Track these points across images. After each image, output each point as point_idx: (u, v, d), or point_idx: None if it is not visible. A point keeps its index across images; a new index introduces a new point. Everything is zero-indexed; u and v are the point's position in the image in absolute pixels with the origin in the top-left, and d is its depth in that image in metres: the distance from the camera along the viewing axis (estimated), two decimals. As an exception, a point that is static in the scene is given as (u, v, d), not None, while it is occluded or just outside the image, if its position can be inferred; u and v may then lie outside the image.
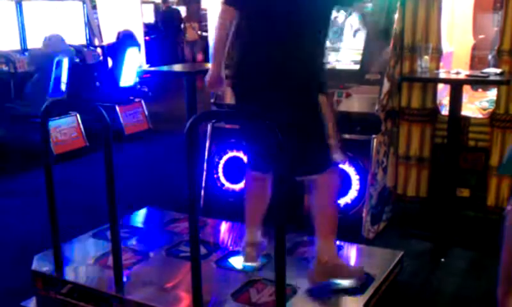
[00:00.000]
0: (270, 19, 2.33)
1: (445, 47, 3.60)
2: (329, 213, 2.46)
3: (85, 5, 7.18)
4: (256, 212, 2.65)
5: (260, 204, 2.64)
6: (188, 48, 11.00)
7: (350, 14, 3.48)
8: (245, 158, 2.80)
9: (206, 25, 11.12)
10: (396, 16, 3.35)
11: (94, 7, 7.99)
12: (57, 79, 5.53)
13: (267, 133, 1.91)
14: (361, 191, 3.25)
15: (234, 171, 3.67)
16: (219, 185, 3.76)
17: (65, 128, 5.53)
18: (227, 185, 3.73)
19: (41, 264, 2.70)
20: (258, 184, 2.62)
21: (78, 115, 5.67)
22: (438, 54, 3.46)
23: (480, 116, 3.56)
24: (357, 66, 3.35)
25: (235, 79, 2.48)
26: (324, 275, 2.43)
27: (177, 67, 5.49)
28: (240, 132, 2.87)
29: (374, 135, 3.26)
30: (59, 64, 5.48)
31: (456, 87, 3.19)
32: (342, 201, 3.30)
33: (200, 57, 11.61)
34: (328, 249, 2.43)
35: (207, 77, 2.52)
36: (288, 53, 2.29)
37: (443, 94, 3.69)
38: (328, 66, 3.44)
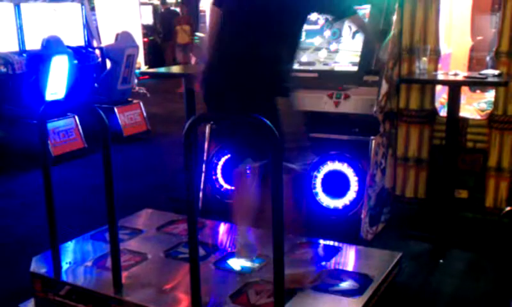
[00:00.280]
0: (245, 21, 2.39)
1: (443, 49, 3.61)
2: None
3: (83, 7, 7.18)
4: (246, 211, 2.67)
5: (250, 202, 2.66)
6: (180, 52, 10.84)
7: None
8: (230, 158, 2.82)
9: (204, 26, 11.09)
10: (394, 17, 3.35)
11: (92, 8, 8.00)
12: (56, 81, 5.52)
13: (265, 136, 1.91)
14: (360, 192, 3.25)
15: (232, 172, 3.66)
16: (217, 186, 3.76)
17: (64, 130, 5.53)
18: (225, 186, 3.73)
19: (39, 266, 2.70)
20: (246, 181, 2.66)
21: (76, 116, 5.66)
22: (436, 55, 3.47)
23: (478, 117, 3.56)
24: (355, 68, 3.35)
25: (203, 76, 2.52)
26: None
27: (176, 68, 5.50)
28: (224, 130, 2.85)
29: (372, 137, 3.27)
30: (57, 65, 5.48)
31: (454, 88, 3.20)
32: (341, 203, 3.30)
33: (194, 60, 11.54)
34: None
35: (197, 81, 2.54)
36: (254, 54, 2.34)
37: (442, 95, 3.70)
38: (327, 68, 3.46)
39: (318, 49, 3.55)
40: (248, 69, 2.35)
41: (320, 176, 3.35)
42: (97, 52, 7.11)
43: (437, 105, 3.59)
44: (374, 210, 3.34)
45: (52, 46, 5.51)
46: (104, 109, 2.43)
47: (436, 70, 3.47)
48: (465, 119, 3.46)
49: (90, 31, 7.51)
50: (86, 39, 7.21)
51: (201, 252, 2.70)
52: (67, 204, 3.39)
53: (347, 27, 3.48)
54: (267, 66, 2.36)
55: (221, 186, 3.75)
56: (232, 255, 2.84)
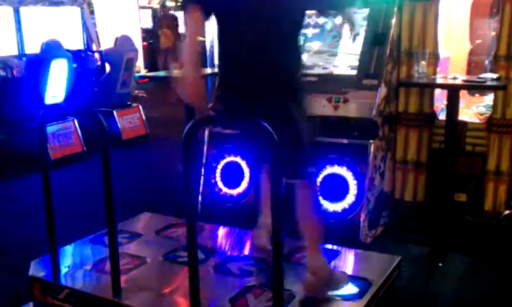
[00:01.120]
0: (246, 27, 2.25)
1: (442, 52, 3.62)
2: (311, 222, 2.42)
3: (83, 10, 7.19)
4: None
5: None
6: (162, 57, 10.47)
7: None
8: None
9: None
10: (393, 21, 3.36)
11: (92, 12, 8.00)
12: (55, 84, 5.53)
13: (265, 138, 1.91)
14: (359, 196, 3.25)
15: (232, 176, 3.67)
16: (216, 190, 3.76)
17: (63, 133, 5.52)
18: (225, 190, 3.73)
19: (38, 269, 2.70)
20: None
21: (75, 120, 5.66)
22: (434, 59, 3.48)
23: (477, 121, 3.57)
24: (354, 72, 3.36)
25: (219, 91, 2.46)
26: (318, 287, 2.42)
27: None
28: (240, 135, 2.82)
29: (371, 140, 3.27)
30: (57, 69, 5.49)
31: (453, 92, 3.20)
32: (340, 206, 3.30)
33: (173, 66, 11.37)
34: (319, 260, 2.43)
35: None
36: (263, 61, 2.23)
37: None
38: (326, 72, 3.46)
39: (317, 53, 3.55)
40: (261, 77, 2.24)
41: (319, 179, 3.35)
42: (96, 55, 7.12)
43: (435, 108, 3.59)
44: (373, 213, 3.34)
45: (51, 50, 5.51)
46: (103, 112, 2.42)
47: (434, 73, 3.48)
48: (464, 123, 3.46)
49: (89, 34, 7.51)
50: (85, 42, 7.22)
51: (200, 256, 2.69)
52: (66, 208, 3.38)
53: (347, 30, 3.49)
54: (279, 71, 2.26)
55: (220, 190, 3.75)
56: (231, 259, 2.84)
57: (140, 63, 11.00)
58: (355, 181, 3.26)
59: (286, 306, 2.23)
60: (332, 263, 2.78)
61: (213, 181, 3.76)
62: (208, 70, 5.47)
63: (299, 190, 2.39)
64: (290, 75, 2.33)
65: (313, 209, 2.43)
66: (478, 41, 4.39)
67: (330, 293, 2.42)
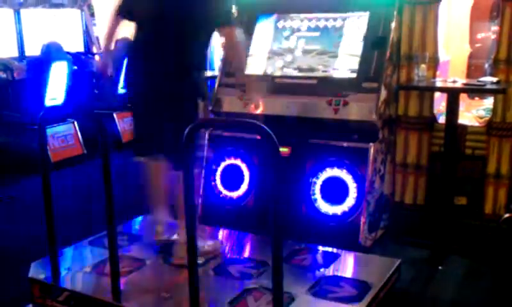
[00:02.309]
0: (159, 30, 2.72)
1: (442, 56, 3.62)
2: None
3: (83, 13, 7.20)
4: (160, 192, 2.96)
5: (162, 185, 2.96)
6: None
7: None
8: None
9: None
10: (393, 24, 3.37)
11: (92, 15, 8.00)
12: (56, 86, 5.53)
13: (264, 141, 1.91)
14: (359, 199, 3.25)
15: (232, 178, 3.67)
16: (216, 192, 3.76)
17: (63, 136, 5.53)
18: (225, 192, 3.73)
19: (38, 271, 2.70)
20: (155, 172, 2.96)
21: (75, 122, 5.66)
22: (434, 62, 3.48)
23: (477, 124, 3.57)
24: (354, 74, 3.36)
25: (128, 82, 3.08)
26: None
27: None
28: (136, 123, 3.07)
29: (371, 143, 3.27)
30: (57, 71, 5.49)
31: (453, 95, 3.20)
32: (340, 209, 3.30)
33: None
34: None
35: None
36: (173, 62, 2.68)
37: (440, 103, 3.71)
38: (326, 75, 3.47)
39: (317, 55, 3.56)
40: (171, 76, 2.67)
41: (319, 182, 3.34)
42: (97, 58, 7.12)
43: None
44: (373, 216, 3.34)
45: (51, 52, 5.51)
46: (103, 115, 2.43)
47: (434, 77, 3.48)
48: (464, 126, 3.46)
49: (90, 37, 7.52)
50: (86, 45, 7.22)
51: (200, 258, 2.69)
52: (66, 210, 3.39)
53: (347, 33, 3.49)
54: (186, 72, 2.68)
55: (220, 192, 3.75)
56: (230, 261, 2.84)
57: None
58: (355, 184, 3.26)
59: (286, 308, 2.23)
60: (332, 266, 2.79)
61: (213, 183, 3.76)
62: (209, 73, 5.48)
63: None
64: (196, 76, 2.77)
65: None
66: (478, 45, 4.41)
67: (200, 261, 2.57)
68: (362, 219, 3.23)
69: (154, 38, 2.75)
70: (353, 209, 3.26)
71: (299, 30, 3.67)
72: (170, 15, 2.70)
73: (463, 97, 3.74)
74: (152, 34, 2.77)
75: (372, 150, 3.25)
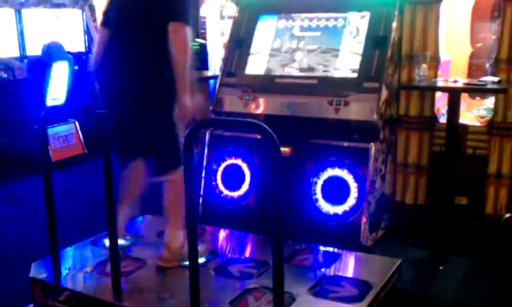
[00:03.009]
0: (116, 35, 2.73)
1: (443, 55, 3.62)
2: (180, 207, 2.59)
3: (84, 13, 7.20)
4: (129, 193, 2.95)
5: (135, 187, 2.97)
6: None
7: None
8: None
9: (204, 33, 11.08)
10: (394, 24, 3.37)
11: (93, 14, 7.99)
12: (57, 86, 5.53)
13: (263, 140, 1.91)
14: (360, 199, 3.25)
15: (232, 178, 3.67)
16: (217, 192, 3.76)
17: (64, 135, 5.53)
18: (225, 192, 3.73)
19: (39, 271, 2.70)
20: (134, 171, 2.92)
21: (76, 122, 5.67)
22: (435, 62, 3.48)
23: (478, 124, 3.57)
24: (355, 74, 3.36)
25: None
26: (173, 259, 2.72)
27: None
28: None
29: (372, 143, 3.27)
30: (58, 71, 5.49)
31: (454, 95, 3.20)
32: (341, 209, 3.30)
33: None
34: (177, 237, 2.71)
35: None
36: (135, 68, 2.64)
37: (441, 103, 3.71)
38: (327, 74, 3.47)
39: (318, 55, 3.56)
40: (135, 83, 2.64)
41: (320, 182, 3.35)
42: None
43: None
44: (374, 216, 3.34)
45: (52, 52, 5.52)
46: (104, 115, 2.43)
47: (435, 76, 3.48)
48: (465, 126, 3.46)
49: (91, 36, 7.52)
50: (87, 45, 7.22)
51: (201, 258, 2.69)
52: (67, 210, 3.38)
53: (347, 33, 3.49)
54: (149, 73, 2.62)
55: (221, 192, 3.75)
56: (231, 261, 2.84)
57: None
58: (356, 184, 3.26)
59: (286, 308, 2.23)
60: (333, 266, 2.79)
61: (214, 183, 3.76)
62: (209, 73, 5.48)
63: (167, 183, 2.71)
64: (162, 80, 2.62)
65: (180, 197, 2.49)
66: (479, 45, 4.40)
67: (183, 264, 2.60)
68: (363, 219, 3.23)
69: (116, 44, 2.74)
70: (354, 209, 3.27)
71: (300, 30, 3.68)
72: (127, 15, 2.71)
73: (464, 97, 3.74)
74: (114, 40, 2.75)
75: (373, 150, 3.25)
